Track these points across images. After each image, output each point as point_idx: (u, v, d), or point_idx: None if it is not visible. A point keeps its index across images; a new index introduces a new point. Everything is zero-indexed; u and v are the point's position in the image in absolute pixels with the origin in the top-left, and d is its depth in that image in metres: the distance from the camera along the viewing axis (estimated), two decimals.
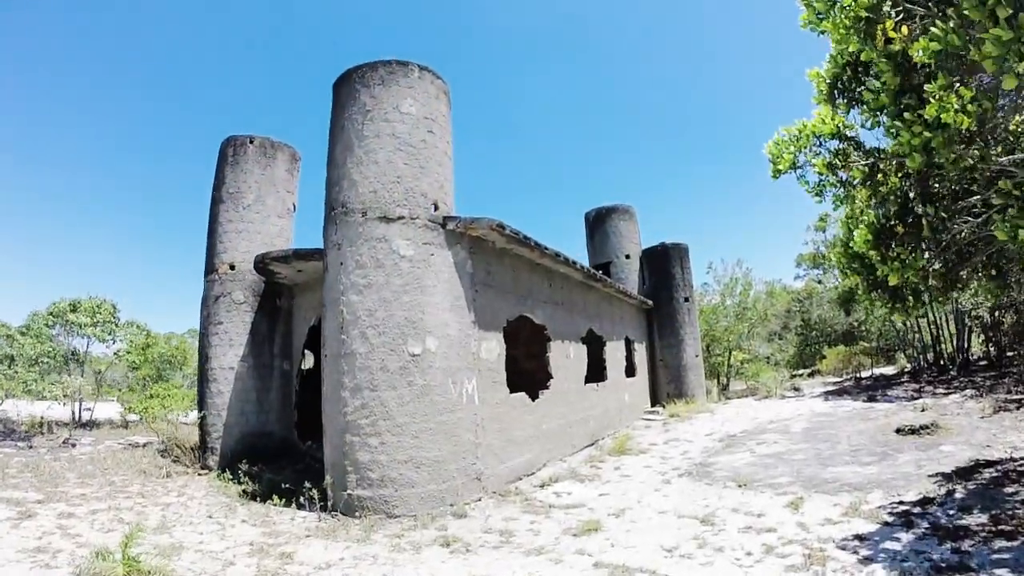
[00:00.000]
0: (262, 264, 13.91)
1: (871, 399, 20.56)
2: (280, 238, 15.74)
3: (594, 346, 18.06)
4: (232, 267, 14.93)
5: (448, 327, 10.22)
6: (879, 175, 6.52)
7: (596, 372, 17.96)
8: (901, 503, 8.07)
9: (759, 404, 23.54)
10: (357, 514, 9.18)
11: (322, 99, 11.78)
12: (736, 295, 33.19)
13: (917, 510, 7.69)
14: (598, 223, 27.15)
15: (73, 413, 22.21)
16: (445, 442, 9.74)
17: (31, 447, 15.95)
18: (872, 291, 7.19)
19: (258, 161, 15.74)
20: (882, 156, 6.51)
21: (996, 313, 22.90)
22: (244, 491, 11.32)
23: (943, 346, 26.64)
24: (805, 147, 6.94)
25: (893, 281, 6.21)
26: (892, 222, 6.49)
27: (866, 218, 6.85)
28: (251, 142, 15.81)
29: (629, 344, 22.09)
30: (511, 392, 11.94)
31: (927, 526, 7.05)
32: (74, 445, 16.69)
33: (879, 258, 6.41)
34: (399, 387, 9.55)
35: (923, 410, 15.97)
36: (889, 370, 30.71)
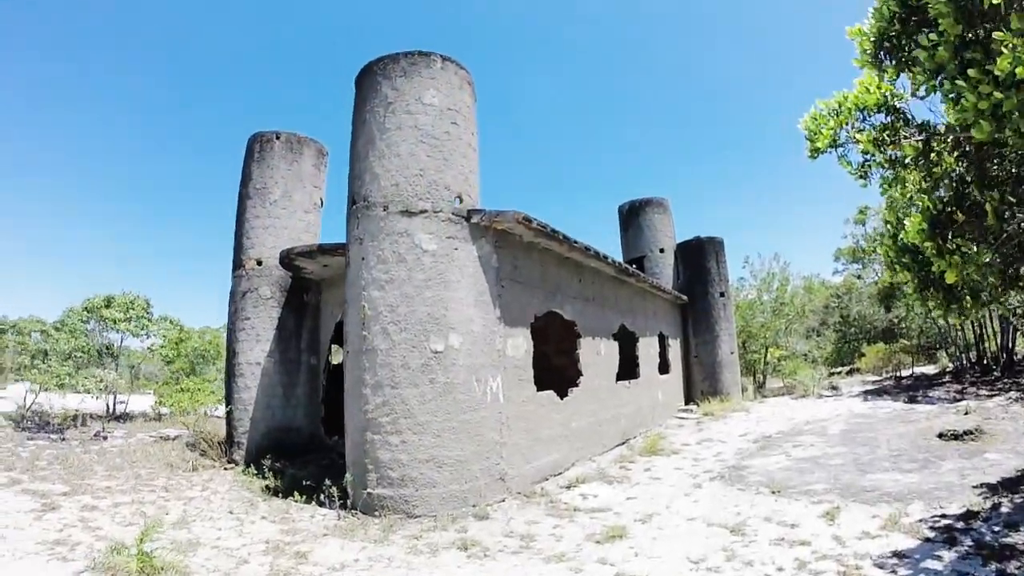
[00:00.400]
0: (287, 259, 13.80)
1: (912, 400, 19.98)
2: (307, 233, 15.62)
3: (626, 342, 17.71)
4: (259, 263, 14.86)
5: (472, 323, 9.96)
6: (932, 154, 5.67)
7: (628, 369, 17.63)
8: (943, 517, 7.63)
9: (796, 403, 23.03)
10: (377, 513, 9.03)
11: (350, 95, 11.67)
12: (773, 290, 32.49)
13: (960, 525, 7.25)
14: (631, 216, 26.72)
15: (107, 406, 22.34)
16: (468, 441, 9.51)
17: (64, 439, 15.94)
18: (924, 289, 6.41)
19: (284, 157, 15.65)
20: (935, 132, 5.61)
21: None
22: (267, 487, 11.26)
23: (986, 345, 25.87)
24: (847, 122, 5.99)
25: (951, 278, 5.39)
26: (950, 208, 5.68)
27: (919, 203, 6.01)
28: (277, 138, 15.73)
29: (663, 340, 21.68)
30: (538, 390, 11.66)
31: (971, 544, 6.61)
32: (105, 438, 16.65)
33: (935, 251, 5.53)
34: (421, 385, 9.34)
35: (966, 413, 15.42)
36: (930, 369, 30.01)
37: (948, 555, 6.34)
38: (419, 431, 9.21)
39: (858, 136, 5.84)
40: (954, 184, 5.71)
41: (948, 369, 27.53)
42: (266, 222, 15.07)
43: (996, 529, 7.00)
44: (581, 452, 13.00)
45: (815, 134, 6.15)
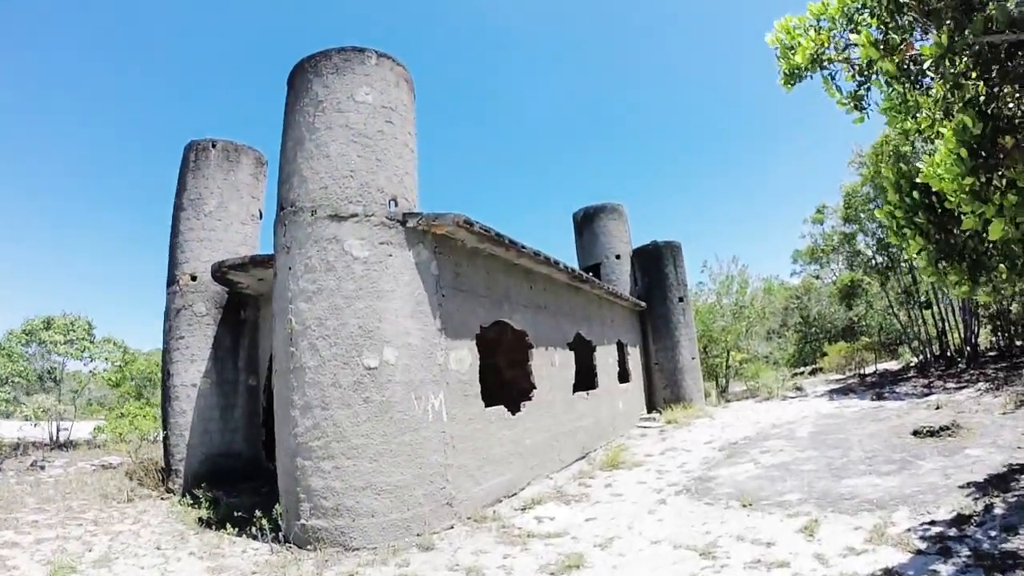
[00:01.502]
0: (220, 273, 12.94)
1: (879, 397, 19.69)
2: (244, 246, 14.78)
3: (583, 352, 17.00)
4: (193, 278, 14.05)
5: (409, 336, 9.15)
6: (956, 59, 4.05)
7: (586, 379, 16.92)
8: (933, 523, 6.94)
9: (760, 406, 22.64)
10: (312, 546, 8.18)
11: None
12: (732, 293, 32.16)
13: (953, 532, 6.57)
14: (586, 223, 26.20)
15: (50, 434, 21.45)
16: (408, 465, 8.69)
17: (0, 470, 15.24)
18: (941, 260, 5.05)
19: (220, 166, 14.90)
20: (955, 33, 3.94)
21: (1003, 302, 21.97)
22: (200, 518, 10.46)
23: (949, 338, 25.83)
24: (828, 41, 4.45)
25: (996, 233, 3.98)
26: (996, 132, 4.10)
27: (945, 131, 4.25)
28: (213, 146, 14.99)
29: (622, 348, 21.04)
30: (487, 406, 10.82)
31: (968, 553, 5.92)
32: (43, 467, 15.93)
33: (971, 194, 4.04)
34: (354, 404, 8.52)
35: (938, 408, 14.99)
36: (893, 365, 30.06)
37: (945, 568, 5.64)
38: (354, 455, 8.39)
39: (853, 38, 4.40)
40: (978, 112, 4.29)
41: (912, 364, 27.50)
42: (200, 235, 14.31)
43: (993, 534, 6.33)
44: (537, 470, 12.21)
45: (790, 49, 4.77)
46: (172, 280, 14.26)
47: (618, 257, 25.34)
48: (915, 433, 11.99)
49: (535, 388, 12.85)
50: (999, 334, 24.80)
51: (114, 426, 18.70)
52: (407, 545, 8.17)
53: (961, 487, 8.20)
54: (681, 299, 24.72)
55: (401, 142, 10.08)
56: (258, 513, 8.71)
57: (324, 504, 8.30)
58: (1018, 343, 23.63)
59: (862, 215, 25.51)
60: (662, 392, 23.90)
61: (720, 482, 10.54)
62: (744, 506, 8.73)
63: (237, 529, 9.19)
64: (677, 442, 15.97)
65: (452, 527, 9.01)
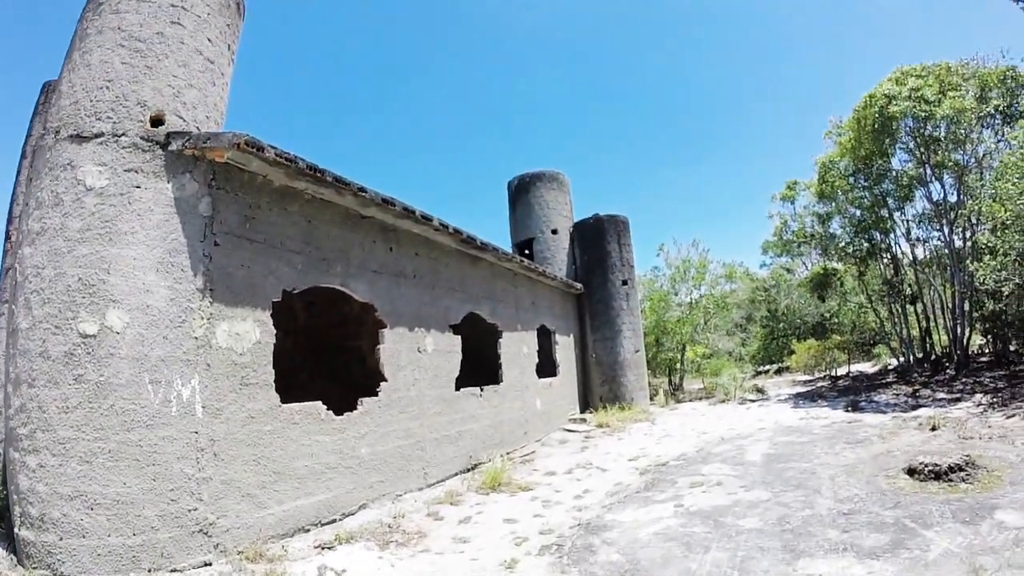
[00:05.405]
0: None
1: (855, 407, 17.03)
2: None
3: (487, 338, 14.56)
4: None
5: (150, 295, 6.70)
6: None
7: (489, 372, 14.42)
8: None
9: (713, 411, 20.22)
10: (27, 563, 6.11)
11: None
12: (689, 279, 29.61)
13: None
14: (520, 193, 23.67)
15: None
16: (135, 473, 6.30)
17: None
18: None
19: None
20: None
21: (999, 303, 19.31)
22: None
23: (935, 339, 23.54)
24: None
25: None
26: None
27: None
28: None
29: (548, 336, 18.47)
30: (285, 401, 8.09)
31: None
32: None
33: None
34: (63, 383, 6.25)
35: (934, 429, 11.92)
36: (868, 367, 27.92)
37: None
38: (60, 452, 6.13)
39: None
40: None
41: (891, 367, 25.15)
42: None
43: None
44: (381, 488, 9.49)
45: None
46: (7, 236, 11.90)
47: (555, 232, 22.89)
48: (911, 472, 8.55)
49: (385, 380, 10.15)
50: (989, 336, 22.24)
51: None
52: None
53: None
54: (625, 282, 22.13)
55: (191, 48, 7.85)
56: None
57: (31, 512, 6.17)
58: (1012, 347, 21.09)
59: (840, 193, 22.72)
60: (599, 389, 21.41)
61: (611, 539, 7.11)
62: None
63: None
64: (597, 455, 13.29)
65: (208, 564, 6.66)
